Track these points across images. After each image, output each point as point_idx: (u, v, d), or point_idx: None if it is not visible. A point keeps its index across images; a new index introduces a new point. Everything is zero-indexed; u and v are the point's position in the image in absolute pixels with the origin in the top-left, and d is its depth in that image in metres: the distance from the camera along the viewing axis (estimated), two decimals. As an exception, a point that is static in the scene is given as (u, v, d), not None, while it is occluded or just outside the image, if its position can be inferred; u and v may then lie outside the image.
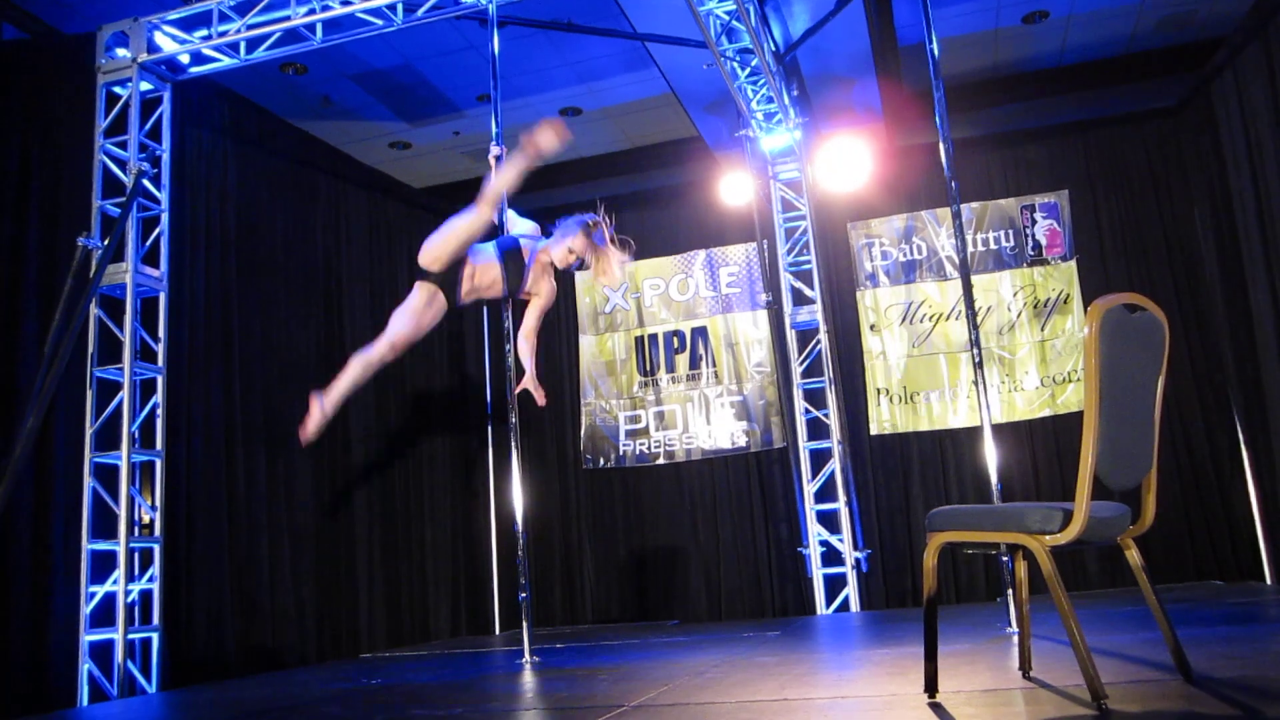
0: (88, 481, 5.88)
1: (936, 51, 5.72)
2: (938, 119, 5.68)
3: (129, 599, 5.75)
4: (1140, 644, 4.11)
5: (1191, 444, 8.00)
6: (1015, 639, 4.23)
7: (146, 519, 6.16)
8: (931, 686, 3.18)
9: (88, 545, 5.79)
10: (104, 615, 5.77)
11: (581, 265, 5.07)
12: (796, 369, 8.24)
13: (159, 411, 6.15)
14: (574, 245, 4.93)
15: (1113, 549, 3.20)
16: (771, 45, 7.34)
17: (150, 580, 5.97)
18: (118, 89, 6.48)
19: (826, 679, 4.15)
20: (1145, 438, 3.02)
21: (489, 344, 9.72)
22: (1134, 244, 8.41)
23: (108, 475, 5.95)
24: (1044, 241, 8.52)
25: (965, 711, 2.97)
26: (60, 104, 6.45)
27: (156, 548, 6.00)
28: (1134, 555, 3.14)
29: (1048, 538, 2.87)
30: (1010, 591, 5.07)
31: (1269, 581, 7.40)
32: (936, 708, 3.06)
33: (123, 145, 6.37)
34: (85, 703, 5.60)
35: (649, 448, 9.29)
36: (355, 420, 8.18)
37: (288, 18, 6.31)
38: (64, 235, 6.06)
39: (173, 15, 6.43)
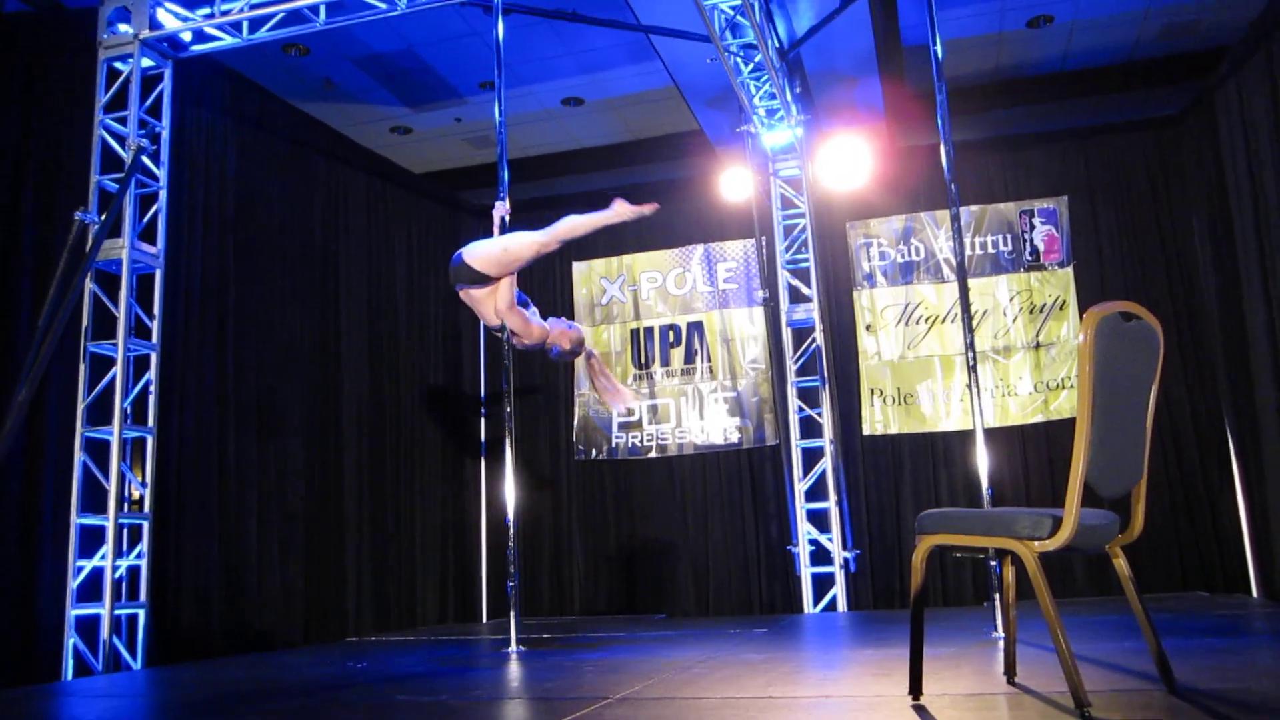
0: (78, 456, 5.87)
1: (940, 53, 5.72)
2: (939, 121, 5.68)
3: (116, 575, 5.74)
4: (1125, 653, 4.13)
5: (1182, 454, 8.02)
6: (1001, 644, 4.24)
7: (136, 495, 6.15)
8: (916, 688, 3.18)
9: (77, 520, 5.78)
10: (91, 590, 5.76)
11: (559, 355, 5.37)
12: (791, 367, 8.24)
13: (152, 388, 6.14)
14: (565, 345, 5.25)
15: (1101, 557, 3.21)
16: (775, 41, 7.33)
17: (138, 556, 5.96)
18: (119, 64, 6.45)
19: (812, 678, 4.16)
20: (1137, 446, 3.02)
21: (484, 332, 9.69)
22: (1131, 252, 8.42)
23: (99, 450, 5.94)
24: (1042, 247, 8.53)
25: (949, 715, 2.98)
26: (61, 78, 6.42)
27: (145, 524, 5.99)
28: (1122, 564, 3.14)
29: (1037, 544, 2.87)
30: (997, 596, 5.08)
31: (1255, 594, 7.43)
32: (920, 710, 3.06)
33: (122, 121, 6.34)
34: (70, 677, 5.59)
35: (641, 441, 9.29)
36: (348, 403, 8.17)
37: (291, -2, 6.29)
38: (61, 209, 6.04)
39: (176, -8, 6.41)
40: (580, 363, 5.60)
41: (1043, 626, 2.97)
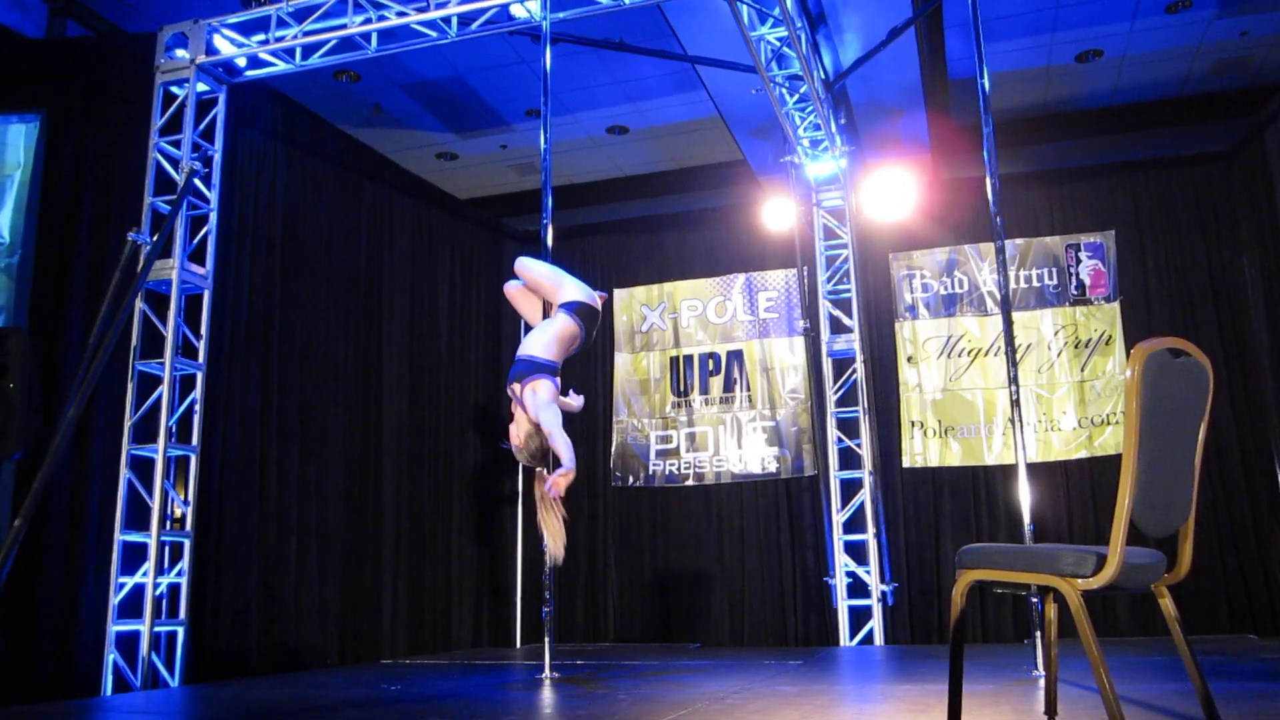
0: (124, 473, 5.95)
1: (988, 86, 5.69)
2: (985, 153, 5.65)
3: (157, 592, 5.80)
4: (1170, 695, 4.04)
5: (1230, 494, 7.86)
6: (1041, 682, 4.17)
7: (179, 513, 6.21)
8: (954, 726, 3.13)
9: (120, 536, 5.85)
10: (132, 607, 5.83)
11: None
12: (831, 397, 8.20)
13: (197, 407, 6.22)
14: (529, 434, 4.72)
15: (1145, 596, 3.15)
16: (821, 73, 7.35)
17: (179, 574, 6.02)
18: (175, 89, 6.59)
19: (848, 712, 4.10)
20: (1184, 485, 2.97)
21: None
22: (1179, 288, 8.31)
23: (143, 467, 6.01)
24: (1088, 281, 8.44)
25: (988, 753, 2.93)
26: (118, 101, 6.57)
27: (187, 542, 6.05)
28: (1167, 604, 3.08)
29: (1080, 581, 2.82)
30: (1038, 634, 5.00)
31: (1304, 638, 7.26)
32: (958, 748, 3.01)
33: (176, 144, 6.47)
34: (109, 693, 5.65)
35: (679, 468, 9.27)
36: (388, 426, 8.23)
37: (344, 26, 6.39)
38: (114, 229, 6.16)
39: (232, 19, 6.54)
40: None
41: (1084, 665, 2.92)
